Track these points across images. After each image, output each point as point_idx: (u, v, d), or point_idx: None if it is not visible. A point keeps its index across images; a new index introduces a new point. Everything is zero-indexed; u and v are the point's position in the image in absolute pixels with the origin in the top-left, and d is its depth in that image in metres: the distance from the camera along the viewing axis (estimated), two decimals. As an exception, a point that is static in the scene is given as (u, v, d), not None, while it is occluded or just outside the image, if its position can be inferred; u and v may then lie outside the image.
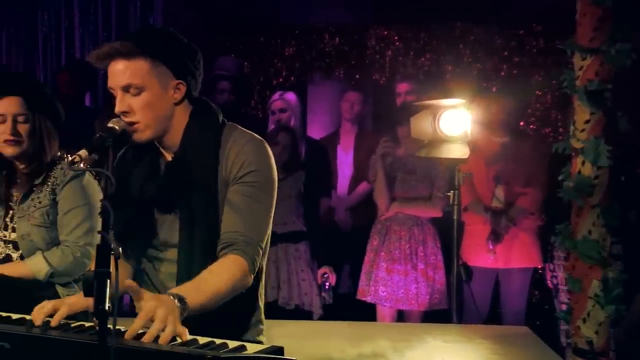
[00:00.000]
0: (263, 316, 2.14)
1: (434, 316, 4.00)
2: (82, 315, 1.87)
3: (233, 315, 1.97)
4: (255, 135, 2.03)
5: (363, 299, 4.12)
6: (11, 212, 2.62)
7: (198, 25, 5.41)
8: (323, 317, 3.97)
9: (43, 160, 2.57)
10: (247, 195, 1.93)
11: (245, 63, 5.67)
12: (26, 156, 2.57)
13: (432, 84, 5.03)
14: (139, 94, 1.90)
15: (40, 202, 2.57)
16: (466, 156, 3.52)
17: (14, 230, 2.60)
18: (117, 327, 1.55)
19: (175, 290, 1.75)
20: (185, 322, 1.66)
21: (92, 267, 1.50)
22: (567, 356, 3.45)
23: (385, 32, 5.68)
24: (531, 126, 5.39)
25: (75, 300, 1.84)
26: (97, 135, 1.78)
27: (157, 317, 1.60)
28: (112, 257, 1.49)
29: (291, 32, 5.82)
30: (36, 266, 2.51)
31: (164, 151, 2.03)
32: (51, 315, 1.78)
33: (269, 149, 2.02)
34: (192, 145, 1.97)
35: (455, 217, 3.54)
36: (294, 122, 4.44)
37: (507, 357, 2.49)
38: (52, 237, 2.57)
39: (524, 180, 4.09)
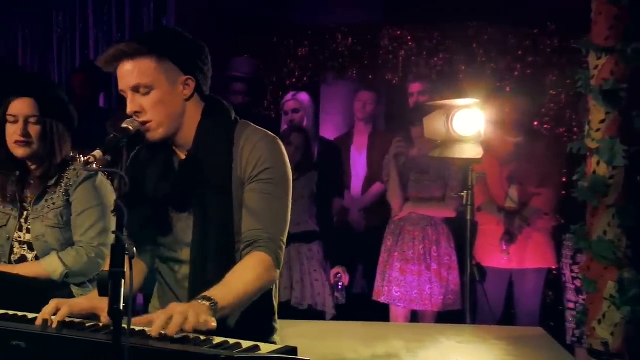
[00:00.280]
0: (277, 316, 2.15)
1: (448, 317, 3.99)
2: (94, 317, 1.88)
3: (257, 318, 1.98)
4: (268, 132, 2.03)
5: (377, 299, 4.11)
6: (25, 213, 2.63)
7: (211, 26, 5.42)
8: (336, 318, 3.97)
9: (53, 162, 2.58)
10: (265, 193, 1.94)
11: (258, 63, 5.67)
12: (36, 157, 2.58)
13: (446, 84, 5.01)
14: (149, 93, 1.90)
15: (54, 203, 2.58)
16: (480, 156, 3.50)
17: (28, 231, 2.62)
18: (131, 327, 1.55)
19: (202, 294, 1.75)
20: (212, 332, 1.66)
21: (106, 267, 1.51)
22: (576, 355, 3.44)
23: (398, 32, 5.67)
24: (545, 126, 5.35)
25: (79, 302, 1.85)
26: (112, 135, 1.79)
27: (175, 312, 1.61)
28: (126, 257, 1.49)
29: (304, 33, 5.82)
30: (51, 266, 2.53)
31: (177, 150, 2.03)
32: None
33: (282, 145, 2.02)
34: (205, 144, 1.97)
35: (468, 217, 3.53)
36: (307, 123, 4.43)
37: (521, 358, 2.48)
38: (66, 238, 2.59)
39: (538, 180, 4.06)
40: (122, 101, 1.97)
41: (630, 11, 2.44)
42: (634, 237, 2.54)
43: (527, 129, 4.19)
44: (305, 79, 5.83)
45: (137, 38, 1.95)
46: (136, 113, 1.91)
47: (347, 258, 4.18)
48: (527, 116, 4.21)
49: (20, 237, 2.63)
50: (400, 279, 4.04)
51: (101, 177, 2.63)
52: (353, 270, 4.39)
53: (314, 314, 3.94)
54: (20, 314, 1.88)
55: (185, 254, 2.01)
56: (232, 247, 1.97)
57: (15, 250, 2.64)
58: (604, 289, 2.47)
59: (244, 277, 1.84)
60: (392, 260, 4.08)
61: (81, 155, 2.63)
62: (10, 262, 2.63)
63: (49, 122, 2.57)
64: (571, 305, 3.77)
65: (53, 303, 1.80)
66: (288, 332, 2.35)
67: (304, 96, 4.54)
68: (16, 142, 2.53)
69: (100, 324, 1.78)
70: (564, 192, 4.23)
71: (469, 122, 3.48)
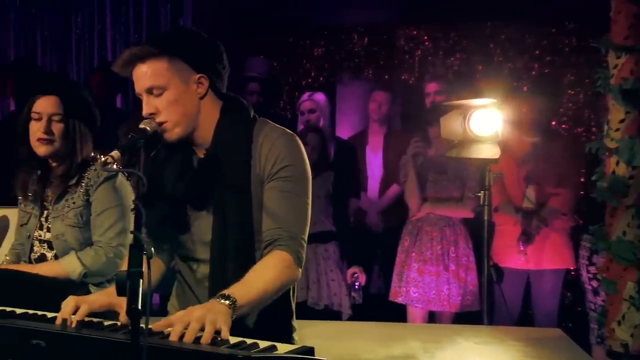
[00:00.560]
0: (295, 316, 2.15)
1: (464, 317, 3.97)
2: (112, 313, 1.89)
3: (275, 318, 1.99)
4: (287, 129, 2.04)
5: (395, 300, 4.10)
6: (46, 212, 2.66)
7: (228, 27, 5.44)
8: (352, 318, 3.96)
9: (74, 162, 2.61)
10: (285, 191, 1.94)
11: (275, 64, 5.68)
12: (58, 156, 2.60)
13: (462, 84, 4.99)
14: (162, 94, 1.92)
15: (74, 203, 2.60)
16: (497, 156, 3.48)
17: (48, 230, 2.64)
18: (149, 326, 1.56)
19: (220, 292, 1.76)
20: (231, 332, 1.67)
21: (124, 267, 1.51)
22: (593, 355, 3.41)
23: (415, 32, 5.66)
24: (563, 126, 5.32)
25: (96, 298, 1.87)
26: (129, 136, 1.80)
27: (193, 317, 1.61)
28: (144, 257, 1.50)
29: (320, 33, 5.82)
30: (70, 266, 2.55)
31: (196, 149, 2.04)
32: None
33: (300, 142, 2.02)
34: (223, 142, 1.98)
35: (485, 217, 3.51)
36: (323, 123, 4.43)
37: (539, 360, 2.46)
38: (85, 238, 2.61)
39: (556, 180, 4.03)
40: (138, 103, 1.99)
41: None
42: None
43: (544, 129, 4.16)
44: (321, 79, 5.84)
45: (150, 40, 1.96)
46: (151, 115, 1.92)
47: (363, 258, 4.17)
48: (545, 116, 4.18)
49: (40, 236, 2.66)
50: (418, 280, 4.02)
51: (121, 178, 2.65)
52: (369, 270, 4.39)
53: (330, 314, 3.94)
54: (39, 313, 1.90)
55: (204, 252, 2.02)
56: (252, 245, 1.97)
57: (35, 248, 2.66)
58: (624, 290, 2.45)
59: (264, 275, 1.84)
60: (409, 261, 4.07)
61: (101, 156, 2.65)
62: (30, 260, 2.66)
63: (72, 121, 2.60)
64: (592, 306, 3.74)
65: (72, 301, 1.81)
66: (304, 332, 2.35)
67: (320, 96, 4.54)
68: (39, 139, 2.56)
69: (119, 323, 1.79)
70: (582, 192, 4.21)
71: (486, 122, 3.46)
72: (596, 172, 2.56)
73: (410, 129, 4.63)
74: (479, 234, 3.61)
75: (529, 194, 4.08)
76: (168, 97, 1.92)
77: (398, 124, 5.44)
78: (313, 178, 3.91)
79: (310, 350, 1.56)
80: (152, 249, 1.51)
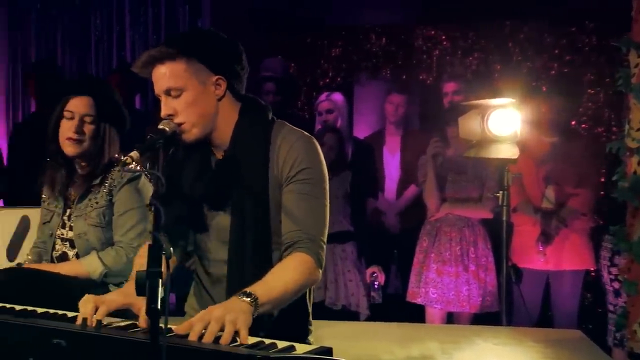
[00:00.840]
0: (311, 317, 2.15)
1: (483, 318, 3.95)
2: (129, 312, 1.90)
3: (292, 319, 1.99)
4: (304, 132, 2.04)
5: (413, 301, 4.09)
6: (69, 210, 2.68)
7: (246, 27, 5.45)
8: (370, 318, 3.96)
9: (100, 163, 2.63)
10: (304, 193, 1.95)
11: (292, 64, 5.69)
12: (84, 156, 2.63)
13: (481, 84, 4.96)
14: (180, 95, 1.93)
15: (97, 203, 2.62)
16: (516, 156, 3.46)
17: (71, 228, 2.66)
18: (169, 327, 1.57)
19: (243, 289, 1.76)
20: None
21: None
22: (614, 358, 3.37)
23: (433, 32, 5.63)
24: (583, 125, 5.27)
25: (114, 298, 1.87)
26: (148, 136, 1.82)
27: (213, 317, 1.62)
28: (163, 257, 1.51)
29: (338, 33, 5.82)
30: (91, 266, 2.57)
31: (214, 149, 2.05)
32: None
33: (317, 145, 2.03)
34: (242, 143, 1.98)
35: (504, 218, 3.49)
36: (341, 123, 4.43)
37: (559, 362, 2.44)
38: (107, 237, 2.63)
39: (576, 180, 4.00)
40: (158, 104, 2.00)
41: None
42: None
43: (563, 129, 4.13)
44: (338, 79, 5.83)
45: (168, 41, 1.97)
46: (170, 116, 1.93)
47: (380, 258, 4.16)
48: (564, 116, 4.15)
49: (62, 234, 2.68)
50: (437, 281, 4.01)
51: (144, 180, 2.66)
52: (386, 270, 4.37)
53: (347, 314, 3.94)
54: (60, 312, 1.92)
55: (221, 252, 2.02)
56: (269, 246, 1.98)
57: (57, 246, 2.69)
58: (645, 292, 2.42)
59: (285, 276, 1.85)
60: (428, 262, 4.05)
61: (121, 156, 2.67)
62: (51, 258, 2.69)
63: (102, 124, 2.64)
64: (612, 307, 3.70)
65: (91, 303, 1.81)
66: (322, 332, 2.35)
67: (338, 97, 4.53)
68: (69, 138, 2.59)
69: (137, 322, 1.80)
70: (602, 192, 4.17)
71: (505, 122, 3.44)
72: (617, 172, 2.54)
73: (429, 129, 4.61)
74: (498, 235, 3.59)
75: (548, 194, 4.05)
76: (186, 98, 1.93)
77: (416, 124, 5.42)
78: (330, 178, 3.92)
79: (328, 351, 1.56)
80: (171, 249, 1.52)
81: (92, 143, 2.62)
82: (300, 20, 5.70)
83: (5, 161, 4.63)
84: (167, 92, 1.93)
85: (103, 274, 2.57)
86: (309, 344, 2.03)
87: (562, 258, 4.02)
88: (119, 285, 2.63)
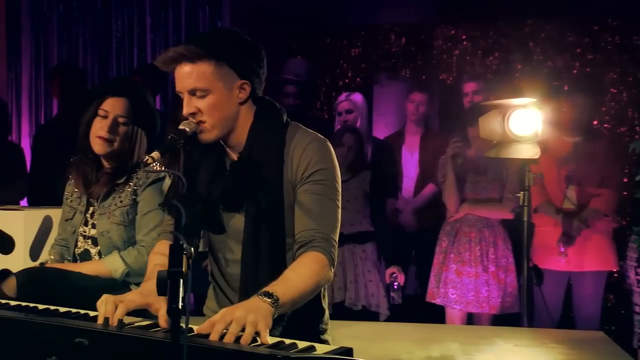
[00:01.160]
0: (326, 316, 2.16)
1: (503, 319, 3.92)
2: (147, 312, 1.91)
3: (307, 317, 1.99)
4: (318, 134, 2.05)
5: (432, 301, 4.07)
6: (92, 208, 2.70)
7: (265, 28, 5.46)
8: (389, 319, 3.95)
9: (127, 164, 2.66)
10: (318, 194, 1.96)
11: (312, 64, 5.69)
12: (113, 156, 2.65)
13: (501, 83, 4.93)
14: (205, 96, 1.93)
15: (121, 201, 2.64)
16: (537, 156, 3.44)
17: (93, 226, 2.69)
18: (191, 327, 1.58)
19: (263, 289, 1.76)
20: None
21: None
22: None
23: (453, 32, 5.61)
24: (605, 125, 5.21)
25: (133, 298, 1.88)
26: (169, 137, 1.83)
27: (234, 317, 1.62)
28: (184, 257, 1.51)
29: (357, 33, 5.81)
30: (113, 265, 2.59)
31: (229, 150, 2.06)
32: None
33: (331, 147, 2.04)
34: (257, 145, 1.99)
35: (525, 218, 3.47)
36: (361, 123, 4.43)
37: (581, 363, 2.42)
38: (129, 236, 2.65)
39: (598, 180, 3.96)
40: (177, 101, 2.01)
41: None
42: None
43: (585, 129, 4.10)
44: (358, 79, 5.83)
45: (196, 40, 1.95)
46: (192, 115, 1.94)
47: (399, 259, 4.15)
48: (586, 115, 4.11)
49: (85, 232, 2.70)
50: (457, 281, 3.99)
51: (168, 181, 2.68)
52: (405, 271, 4.36)
53: (367, 314, 3.93)
54: (82, 312, 1.93)
55: (237, 253, 2.03)
56: (283, 247, 2.00)
57: (79, 243, 2.71)
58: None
59: (302, 274, 1.86)
60: (447, 262, 4.04)
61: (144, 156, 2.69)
62: (74, 255, 2.71)
63: (135, 127, 2.66)
64: (638, 309, 3.66)
65: (110, 303, 1.82)
66: (342, 332, 2.35)
67: (357, 97, 4.53)
68: (99, 137, 2.61)
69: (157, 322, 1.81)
70: (625, 192, 4.13)
71: (526, 122, 3.42)
72: (640, 172, 2.51)
73: (448, 129, 4.59)
74: (518, 235, 3.57)
75: (569, 194, 4.02)
76: (211, 100, 1.93)
77: (436, 124, 5.40)
78: (350, 178, 3.97)
79: (348, 351, 1.56)
80: (192, 249, 1.52)
81: (122, 144, 2.63)
82: (319, 20, 5.70)
83: (28, 163, 4.69)
84: (192, 92, 1.93)
85: (125, 273, 2.58)
86: (325, 342, 2.04)
87: (584, 259, 3.98)
88: (140, 285, 2.64)
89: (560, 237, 3.97)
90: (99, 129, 2.61)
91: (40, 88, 6.04)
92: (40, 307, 2.00)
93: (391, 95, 5.64)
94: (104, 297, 1.84)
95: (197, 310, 2.36)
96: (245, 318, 1.62)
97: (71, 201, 2.76)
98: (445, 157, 4.08)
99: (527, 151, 3.43)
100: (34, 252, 3.20)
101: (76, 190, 2.73)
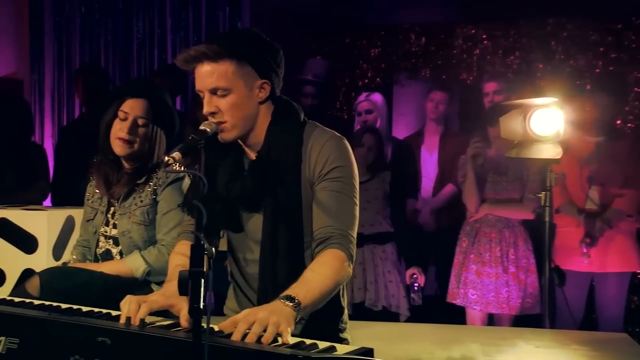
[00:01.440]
0: (345, 315, 2.16)
1: (524, 321, 3.90)
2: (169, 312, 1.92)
3: (327, 316, 1.99)
4: (335, 132, 2.06)
5: (452, 301, 4.05)
6: (112, 208, 2.73)
7: (285, 29, 5.47)
8: (409, 319, 3.94)
9: (147, 165, 2.68)
10: (335, 191, 1.97)
11: (331, 64, 5.69)
12: (132, 157, 2.67)
13: (522, 83, 4.90)
14: (226, 96, 1.94)
15: (141, 201, 2.66)
16: (559, 156, 3.41)
17: (114, 226, 2.71)
18: (212, 326, 1.58)
19: (284, 292, 1.77)
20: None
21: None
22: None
23: (473, 31, 5.57)
24: (629, 124, 5.15)
25: (155, 299, 1.89)
26: (190, 137, 1.84)
27: (257, 318, 1.63)
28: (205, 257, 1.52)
29: (377, 33, 5.79)
30: (134, 264, 2.61)
31: (247, 150, 2.07)
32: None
33: (348, 145, 2.05)
34: (275, 145, 2.00)
35: (547, 219, 3.44)
36: (380, 123, 4.42)
37: (604, 366, 2.39)
38: (149, 236, 2.67)
39: (621, 181, 3.92)
40: (197, 100, 2.02)
41: None
42: None
43: (608, 128, 4.05)
44: (377, 79, 5.81)
45: (217, 40, 1.96)
46: (212, 114, 1.95)
47: (418, 259, 4.14)
48: (609, 115, 4.06)
49: (106, 232, 2.73)
50: (477, 282, 3.97)
51: (187, 180, 2.70)
52: (425, 271, 4.35)
53: (388, 315, 3.93)
54: (105, 311, 1.95)
55: (255, 253, 2.04)
56: (301, 246, 2.00)
57: (101, 244, 2.74)
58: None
59: (323, 274, 1.86)
60: (468, 262, 4.02)
61: (164, 157, 2.70)
62: (95, 255, 2.74)
63: (155, 128, 2.67)
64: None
65: (133, 303, 1.83)
66: (362, 333, 2.34)
67: (377, 97, 4.52)
68: (119, 138, 2.63)
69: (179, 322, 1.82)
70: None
71: (547, 122, 3.39)
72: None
73: (468, 130, 4.57)
74: (539, 236, 3.54)
75: (592, 195, 3.98)
76: (231, 99, 1.94)
77: (456, 124, 5.38)
78: (370, 179, 3.96)
79: (369, 352, 1.56)
80: (213, 249, 1.53)
81: (141, 145, 2.65)
82: (339, 20, 5.70)
83: (51, 163, 4.74)
84: (213, 91, 1.94)
85: (146, 272, 2.60)
86: (344, 340, 2.05)
87: (607, 260, 3.94)
88: (160, 284, 2.66)
89: (582, 238, 3.93)
90: (118, 130, 2.63)
91: (63, 89, 6.12)
92: (63, 306, 2.02)
93: (411, 95, 5.62)
94: (128, 297, 1.86)
95: (218, 309, 2.37)
96: (267, 319, 1.62)
97: (92, 202, 2.79)
98: (465, 157, 4.05)
99: (549, 151, 3.40)
100: (57, 252, 3.23)
101: (97, 191, 2.76)
